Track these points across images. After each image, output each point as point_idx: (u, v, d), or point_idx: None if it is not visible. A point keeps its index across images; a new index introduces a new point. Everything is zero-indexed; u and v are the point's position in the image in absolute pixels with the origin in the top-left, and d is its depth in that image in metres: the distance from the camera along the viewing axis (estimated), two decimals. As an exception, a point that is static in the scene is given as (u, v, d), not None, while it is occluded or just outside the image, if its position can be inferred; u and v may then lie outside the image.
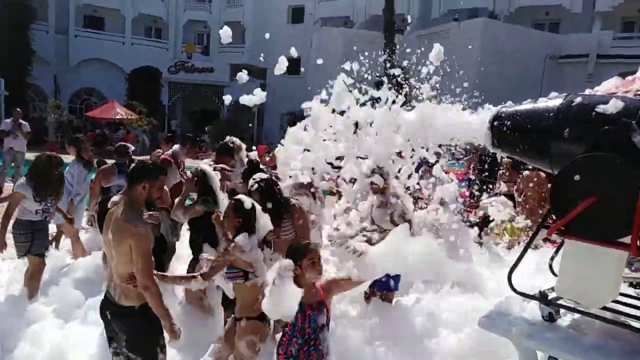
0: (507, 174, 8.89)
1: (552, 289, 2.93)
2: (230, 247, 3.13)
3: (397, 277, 4.33)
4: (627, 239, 2.48)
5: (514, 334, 2.75)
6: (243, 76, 4.93)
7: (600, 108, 2.63)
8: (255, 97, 4.74)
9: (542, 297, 2.86)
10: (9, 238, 4.98)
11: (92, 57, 29.30)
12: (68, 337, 4.05)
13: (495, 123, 3.13)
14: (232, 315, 3.38)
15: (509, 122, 3.05)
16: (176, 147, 6.44)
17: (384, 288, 4.38)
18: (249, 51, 30.18)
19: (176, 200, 4.45)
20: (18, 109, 11.44)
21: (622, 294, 2.98)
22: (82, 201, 6.45)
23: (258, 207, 3.31)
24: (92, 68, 29.44)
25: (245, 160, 5.15)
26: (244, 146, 5.47)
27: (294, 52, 4.70)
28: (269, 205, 3.83)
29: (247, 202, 3.26)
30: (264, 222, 3.28)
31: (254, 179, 4.02)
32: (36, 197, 4.89)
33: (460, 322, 4.11)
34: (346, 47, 19.22)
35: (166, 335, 3.00)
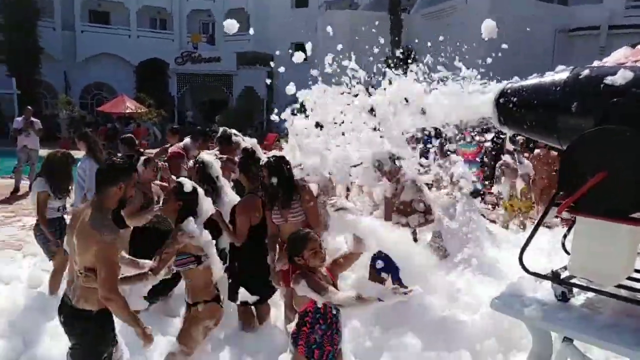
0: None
1: (565, 268, 2.87)
2: (178, 235, 3.04)
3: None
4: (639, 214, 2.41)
5: (526, 316, 2.70)
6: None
7: (609, 79, 2.53)
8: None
9: (554, 277, 2.80)
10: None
11: (99, 52, 29.46)
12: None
13: (501, 100, 3.04)
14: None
15: (514, 99, 2.96)
16: (187, 140, 6.39)
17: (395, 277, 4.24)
18: (254, 38, 30.00)
19: None
20: (29, 107, 11.42)
21: (637, 270, 2.91)
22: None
23: (200, 191, 3.27)
24: (100, 63, 29.59)
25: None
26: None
27: (299, 58, 4.50)
28: (275, 181, 3.75)
29: (188, 185, 3.22)
30: (207, 205, 3.26)
31: (268, 156, 3.96)
32: (57, 194, 4.92)
33: (474, 304, 4.07)
34: (352, 29, 18.91)
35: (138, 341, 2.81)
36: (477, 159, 10.09)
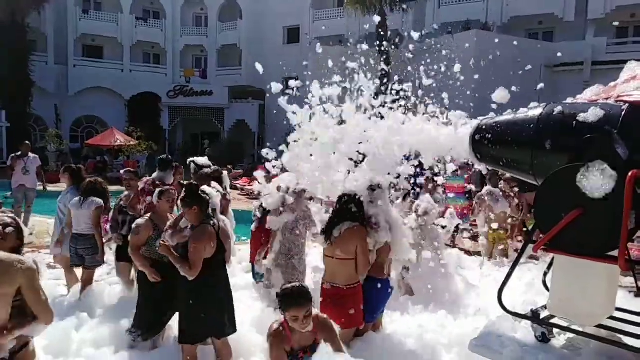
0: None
1: (545, 307, 2.81)
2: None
3: (383, 303, 4.04)
4: (616, 252, 2.37)
5: (506, 357, 2.62)
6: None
7: (581, 117, 2.54)
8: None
9: (534, 316, 2.73)
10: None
11: (91, 86, 29.59)
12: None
13: (477, 137, 3.04)
14: None
15: (490, 135, 2.96)
16: (155, 174, 6.20)
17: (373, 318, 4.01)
18: (246, 73, 30.40)
19: (168, 223, 4.27)
20: (27, 142, 10.38)
21: (618, 309, 2.85)
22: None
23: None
24: (92, 96, 29.67)
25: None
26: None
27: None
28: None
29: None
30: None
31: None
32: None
33: (450, 344, 3.94)
34: (341, 64, 19.27)
35: None
36: (464, 193, 10.09)
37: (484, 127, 3.04)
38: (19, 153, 9.92)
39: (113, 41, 31.02)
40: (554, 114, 2.70)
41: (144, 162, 24.00)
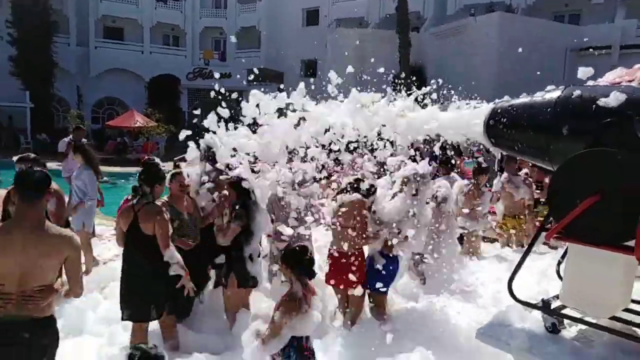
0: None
1: (557, 297, 2.72)
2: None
3: (385, 278, 4.15)
4: (633, 242, 2.26)
5: (513, 348, 2.55)
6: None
7: (602, 101, 2.41)
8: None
9: (544, 306, 2.65)
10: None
11: (112, 67, 29.85)
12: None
13: (491, 122, 2.93)
14: None
15: (504, 119, 2.85)
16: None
17: (372, 287, 4.20)
18: (265, 55, 30.27)
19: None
20: (82, 126, 9.59)
21: (635, 302, 2.75)
22: (93, 206, 6.45)
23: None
24: (112, 78, 29.98)
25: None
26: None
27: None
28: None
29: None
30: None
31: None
32: None
33: (458, 332, 3.88)
34: (361, 47, 18.94)
35: None
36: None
37: (499, 110, 2.92)
38: (69, 138, 9.18)
39: (133, 22, 31.18)
40: (573, 96, 2.57)
41: (163, 144, 24.21)
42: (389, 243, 4.14)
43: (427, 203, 4.45)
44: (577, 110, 2.53)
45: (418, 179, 4.21)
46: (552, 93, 2.68)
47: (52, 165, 12.33)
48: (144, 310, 3.68)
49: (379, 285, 4.10)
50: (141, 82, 29.85)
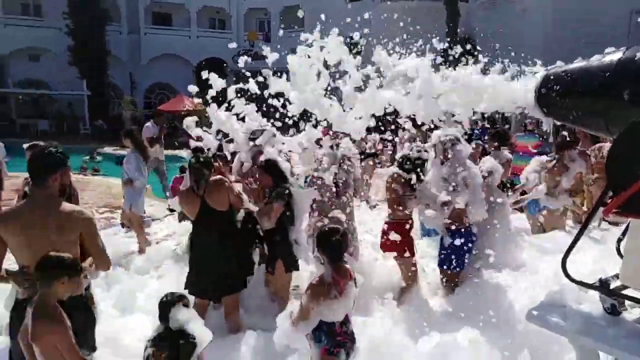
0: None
1: (617, 276, 2.52)
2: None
3: (451, 256, 4.11)
4: None
5: (568, 330, 2.39)
6: None
7: (671, 60, 2.17)
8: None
9: (603, 286, 2.46)
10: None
11: (162, 53, 30.68)
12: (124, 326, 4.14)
13: (543, 90, 2.72)
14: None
15: (558, 86, 2.63)
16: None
17: (441, 264, 4.31)
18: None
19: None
20: (161, 111, 10.62)
21: None
22: (142, 189, 6.69)
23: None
24: (162, 63, 30.84)
25: None
26: None
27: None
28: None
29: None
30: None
31: None
32: None
33: (510, 313, 3.72)
34: (407, 20, 18.37)
35: None
36: (539, 150, 9.43)
37: (551, 77, 2.70)
38: (151, 122, 9.46)
39: (180, 7, 31.74)
40: (636, 58, 2.33)
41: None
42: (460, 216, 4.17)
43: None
44: (640, 72, 2.29)
45: (446, 143, 4.22)
46: (613, 55, 2.44)
47: (108, 149, 12.92)
48: (238, 283, 3.94)
49: (447, 265, 4.20)
50: (189, 66, 30.50)
